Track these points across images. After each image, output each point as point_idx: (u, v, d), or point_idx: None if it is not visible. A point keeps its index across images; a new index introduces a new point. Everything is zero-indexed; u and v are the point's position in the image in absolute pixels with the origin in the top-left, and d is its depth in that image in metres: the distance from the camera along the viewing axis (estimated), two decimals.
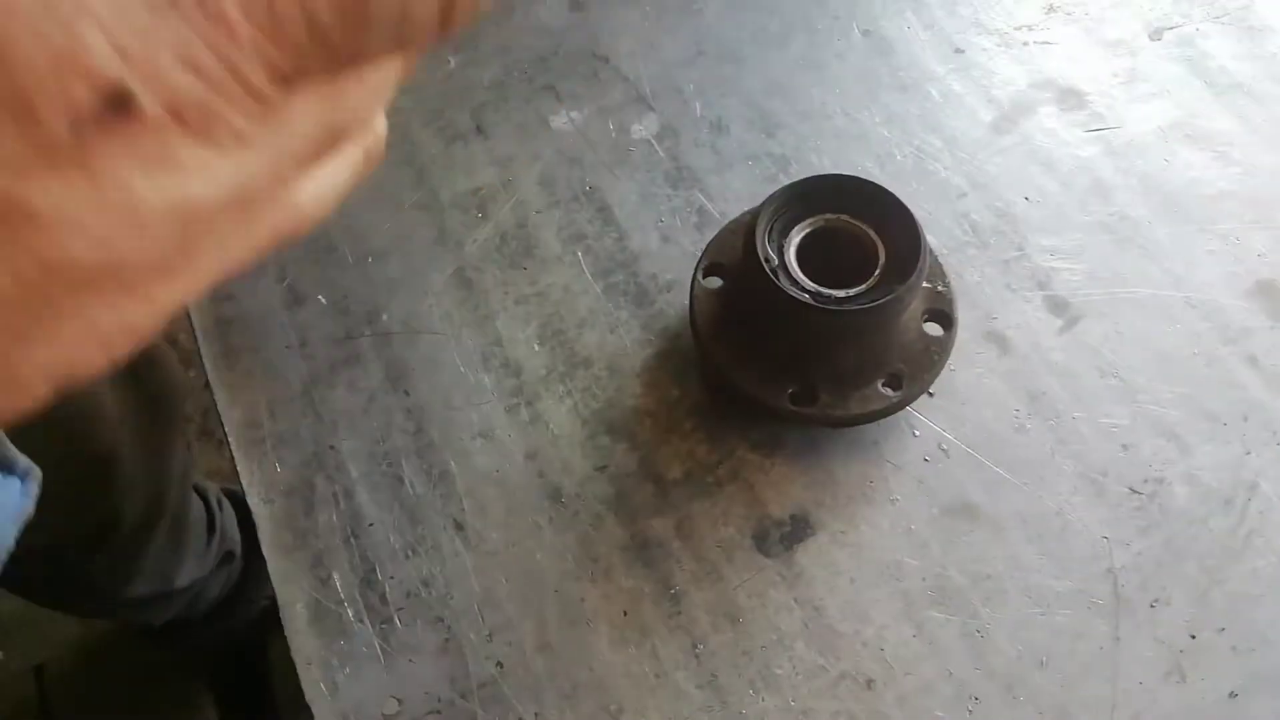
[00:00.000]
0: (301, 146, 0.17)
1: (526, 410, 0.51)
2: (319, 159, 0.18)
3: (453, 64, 0.63)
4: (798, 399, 0.47)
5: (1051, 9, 0.65)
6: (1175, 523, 0.48)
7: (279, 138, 0.17)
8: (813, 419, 0.47)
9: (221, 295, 0.55)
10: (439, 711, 0.44)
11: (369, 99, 0.18)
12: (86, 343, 0.16)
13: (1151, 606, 0.46)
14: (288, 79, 0.15)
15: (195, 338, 0.54)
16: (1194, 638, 0.45)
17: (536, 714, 0.44)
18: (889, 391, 0.47)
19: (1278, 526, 0.47)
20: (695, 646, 0.45)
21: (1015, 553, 0.47)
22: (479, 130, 0.61)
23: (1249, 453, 0.49)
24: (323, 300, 0.55)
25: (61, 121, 0.13)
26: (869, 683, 0.44)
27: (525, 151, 0.60)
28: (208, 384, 0.53)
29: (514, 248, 0.56)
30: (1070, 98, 0.61)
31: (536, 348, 0.53)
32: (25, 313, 0.15)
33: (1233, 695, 0.44)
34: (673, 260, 0.55)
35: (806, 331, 0.47)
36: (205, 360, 0.53)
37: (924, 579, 0.46)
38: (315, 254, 0.56)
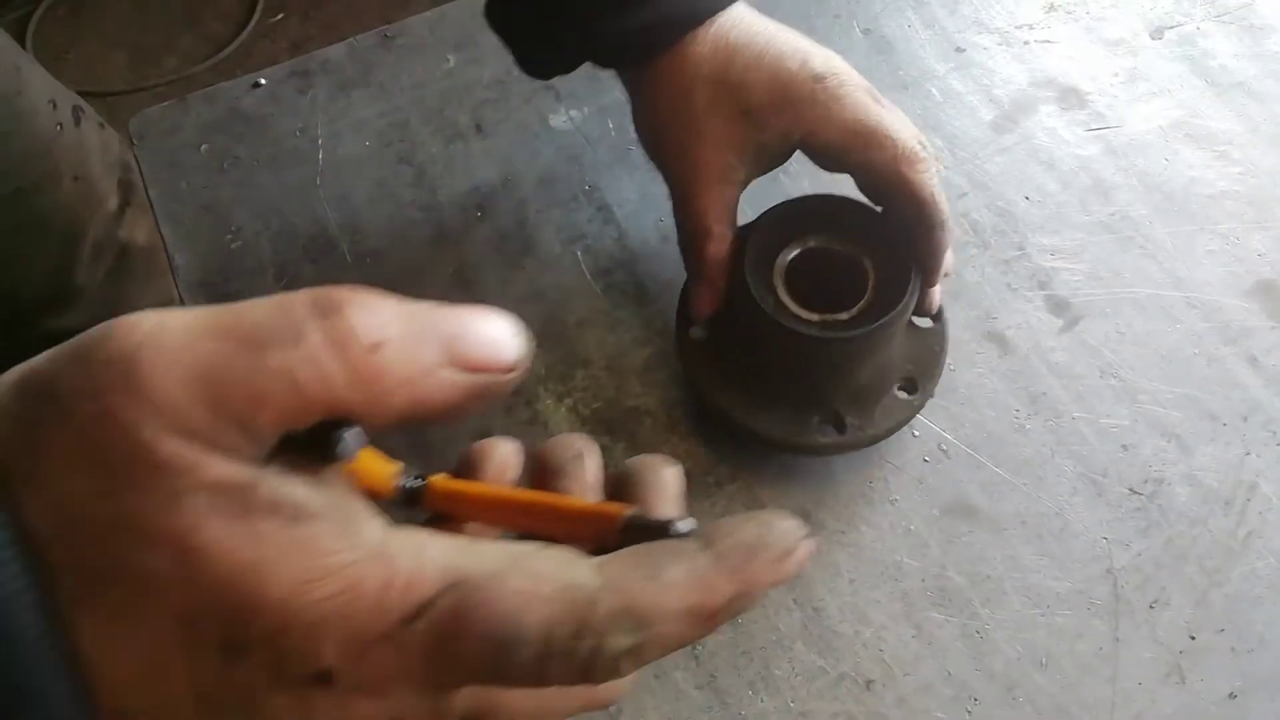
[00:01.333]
0: (450, 706, 0.24)
1: (526, 410, 0.51)
2: (464, 716, 0.25)
3: (453, 63, 0.63)
4: (826, 429, 0.47)
5: (1052, 8, 0.65)
6: (1175, 523, 0.47)
7: (432, 701, 0.24)
8: (848, 445, 0.47)
9: (219, 294, 0.55)
10: None
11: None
12: None
13: (1151, 607, 0.45)
14: (446, 687, 0.23)
15: None
16: (1193, 638, 0.45)
17: None
18: (905, 395, 0.47)
19: (1277, 527, 0.47)
20: (694, 647, 0.45)
21: (1015, 553, 0.47)
22: (479, 130, 0.60)
23: (1249, 453, 0.49)
24: None
25: (293, 677, 0.22)
26: (868, 683, 0.44)
27: (525, 151, 0.60)
28: None
29: (514, 247, 0.56)
30: (1071, 97, 0.61)
31: (536, 348, 0.53)
32: None
33: (1232, 696, 0.44)
34: (672, 259, 0.55)
35: (817, 361, 0.46)
36: None
37: (923, 579, 0.46)
38: (314, 253, 0.56)
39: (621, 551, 0.24)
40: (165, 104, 0.63)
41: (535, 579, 0.23)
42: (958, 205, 0.57)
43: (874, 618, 0.46)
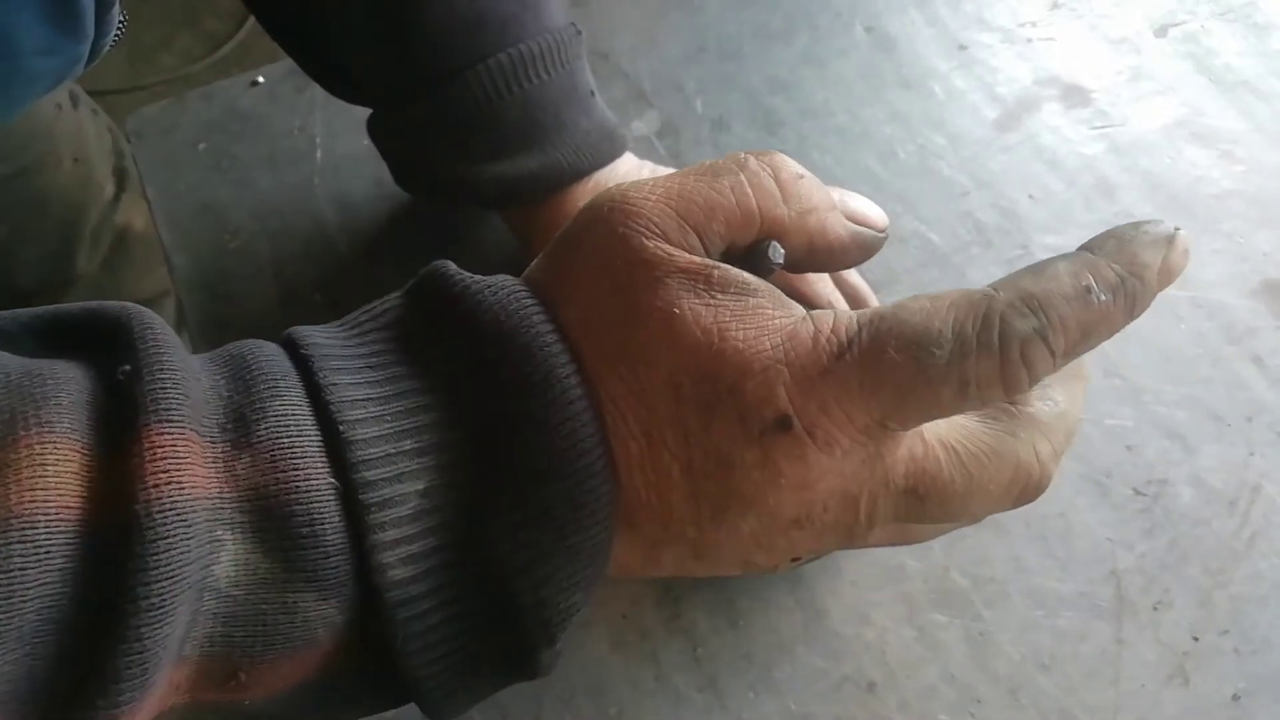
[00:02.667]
0: (889, 470, 0.29)
1: None
2: (905, 491, 0.30)
3: None
4: None
5: (1055, 5, 0.65)
6: (1179, 524, 0.47)
7: (873, 461, 0.28)
8: None
9: (218, 295, 0.54)
10: None
11: (951, 464, 0.30)
12: (738, 534, 0.29)
13: (1154, 609, 0.45)
14: (884, 427, 0.28)
15: (189, 337, 0.54)
16: (1197, 640, 0.45)
17: (535, 718, 0.43)
18: None
19: None
20: (695, 649, 0.45)
21: (1018, 555, 0.47)
22: None
23: (1253, 454, 0.49)
24: (319, 299, 0.54)
25: (757, 426, 0.27)
26: (870, 686, 0.44)
27: None
28: None
29: (514, 247, 0.56)
30: (1074, 95, 0.61)
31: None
32: (716, 503, 0.28)
33: (1235, 698, 0.43)
34: None
35: None
36: None
37: (926, 581, 0.46)
38: (312, 252, 0.56)
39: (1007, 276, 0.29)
40: (163, 102, 0.62)
41: (935, 298, 0.28)
42: (960, 204, 0.57)
43: (876, 620, 0.45)
